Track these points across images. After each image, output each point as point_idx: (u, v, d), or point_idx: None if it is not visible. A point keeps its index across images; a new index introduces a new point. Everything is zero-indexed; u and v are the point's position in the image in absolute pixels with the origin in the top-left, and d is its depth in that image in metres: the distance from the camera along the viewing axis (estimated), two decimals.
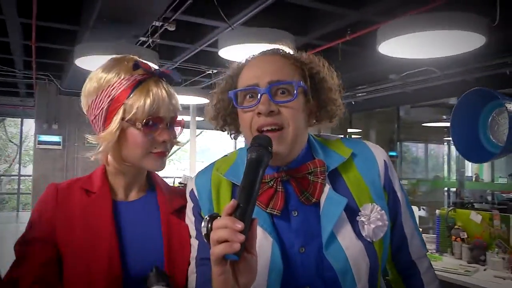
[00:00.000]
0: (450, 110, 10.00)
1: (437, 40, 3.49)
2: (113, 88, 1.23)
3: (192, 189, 1.29)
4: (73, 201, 1.29)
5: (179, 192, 1.41)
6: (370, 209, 1.18)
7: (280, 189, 1.18)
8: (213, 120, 1.35)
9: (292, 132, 1.17)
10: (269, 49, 1.30)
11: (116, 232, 1.26)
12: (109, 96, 1.23)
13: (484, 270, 3.61)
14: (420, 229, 1.39)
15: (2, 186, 18.38)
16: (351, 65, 6.64)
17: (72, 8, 5.58)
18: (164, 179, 1.47)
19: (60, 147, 9.98)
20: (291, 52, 1.29)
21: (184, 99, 6.98)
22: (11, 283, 1.19)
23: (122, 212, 1.31)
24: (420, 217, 6.37)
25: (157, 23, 5.35)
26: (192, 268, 1.24)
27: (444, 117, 10.75)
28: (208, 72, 7.99)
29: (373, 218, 1.17)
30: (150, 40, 5.76)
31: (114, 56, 1.35)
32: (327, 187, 1.18)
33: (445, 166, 14.22)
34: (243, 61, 1.30)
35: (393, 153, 9.83)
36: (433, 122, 11.24)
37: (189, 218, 1.29)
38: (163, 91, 1.25)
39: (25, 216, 11.52)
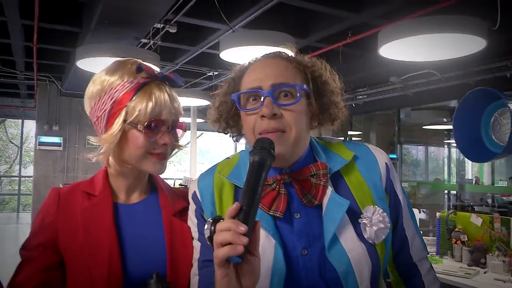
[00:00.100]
0: (450, 113, 10.05)
1: (438, 43, 3.50)
2: (116, 91, 1.24)
3: (195, 191, 1.30)
4: (74, 205, 1.29)
5: (181, 193, 1.42)
6: (372, 211, 1.18)
7: (282, 192, 1.19)
8: (216, 123, 1.35)
9: (294, 135, 1.17)
10: (272, 52, 1.31)
11: (117, 235, 1.26)
12: (112, 99, 1.24)
13: (485, 273, 3.61)
14: (421, 232, 1.40)
15: (2, 187, 18.39)
16: (352, 68, 6.65)
17: (74, 10, 5.60)
18: (165, 181, 1.48)
19: (60, 148, 10.00)
20: (294, 55, 1.30)
21: (184, 101, 7.00)
22: None
23: (123, 215, 1.32)
24: (420, 219, 6.38)
25: (159, 25, 5.36)
26: (194, 270, 1.24)
27: (445, 119, 10.75)
28: (209, 74, 8.00)
29: (375, 220, 1.17)
30: (152, 42, 5.78)
31: (118, 59, 1.36)
32: (330, 190, 1.19)
33: (445, 169, 14.22)
34: (246, 64, 1.31)
35: (393, 156, 9.82)
36: (434, 124, 11.23)
37: (192, 220, 1.29)
38: (166, 95, 1.26)
39: (26, 217, 11.54)
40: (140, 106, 1.22)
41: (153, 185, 1.41)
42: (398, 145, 10.11)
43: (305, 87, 1.21)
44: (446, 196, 10.34)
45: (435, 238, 4.29)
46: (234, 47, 4.16)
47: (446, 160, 14.09)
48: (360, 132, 12.03)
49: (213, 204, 1.24)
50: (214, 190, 1.26)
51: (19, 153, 17.71)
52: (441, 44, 3.53)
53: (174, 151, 1.39)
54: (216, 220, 0.97)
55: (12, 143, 20.62)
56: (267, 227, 1.15)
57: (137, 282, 1.21)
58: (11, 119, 18.17)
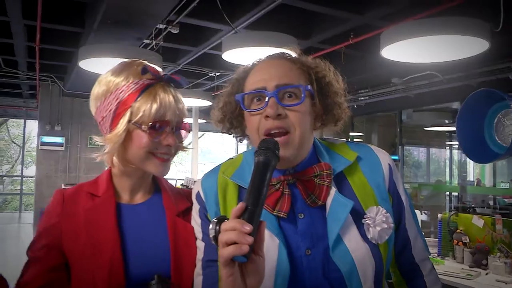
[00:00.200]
0: (452, 114, 10.05)
1: (440, 45, 3.51)
2: (121, 91, 1.25)
3: (199, 191, 1.30)
4: (78, 206, 1.30)
5: (184, 194, 1.42)
6: (375, 212, 1.19)
7: (286, 192, 1.19)
8: (220, 123, 1.36)
9: (298, 136, 1.18)
10: (276, 53, 1.31)
11: (120, 235, 1.27)
12: (117, 99, 1.25)
13: (486, 274, 3.61)
14: (423, 233, 1.40)
15: (4, 186, 18.43)
16: (353, 69, 6.66)
17: (76, 10, 5.61)
18: (168, 181, 1.49)
19: (62, 148, 10.03)
20: (298, 56, 1.31)
21: (186, 101, 6.97)
22: None
23: (127, 215, 1.32)
24: (421, 221, 6.37)
25: (161, 26, 5.37)
26: (198, 270, 1.25)
27: (446, 121, 10.76)
28: (211, 75, 8.02)
29: (379, 220, 1.18)
30: (154, 43, 5.79)
31: (120, 59, 1.36)
32: (333, 190, 1.20)
33: (447, 170, 14.22)
34: (250, 65, 1.31)
35: (395, 157, 9.82)
36: (435, 126, 11.24)
37: (195, 221, 1.30)
38: (170, 96, 1.27)
39: (28, 217, 11.56)
40: (145, 107, 1.23)
41: (157, 185, 1.42)
42: (400, 147, 10.11)
43: (309, 88, 1.21)
44: (447, 198, 10.33)
45: (437, 239, 4.29)
46: (236, 48, 4.16)
47: (447, 161, 14.10)
48: (362, 134, 12.04)
49: (217, 204, 1.25)
50: (218, 190, 1.27)
51: (21, 153, 17.76)
52: (443, 46, 3.53)
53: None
54: (221, 220, 0.98)
55: (14, 143, 20.66)
56: (271, 227, 1.15)
57: (140, 283, 1.21)
58: (13, 119, 18.21)
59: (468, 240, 3.96)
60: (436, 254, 4.17)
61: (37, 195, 9.96)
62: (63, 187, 8.74)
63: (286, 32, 4.48)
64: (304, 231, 1.18)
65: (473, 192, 9.44)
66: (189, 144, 1.40)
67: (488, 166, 11.65)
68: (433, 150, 14.34)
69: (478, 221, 3.93)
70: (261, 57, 1.32)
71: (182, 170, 17.24)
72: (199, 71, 7.89)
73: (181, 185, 7.55)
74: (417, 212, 3.82)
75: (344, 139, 1.39)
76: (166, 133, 1.27)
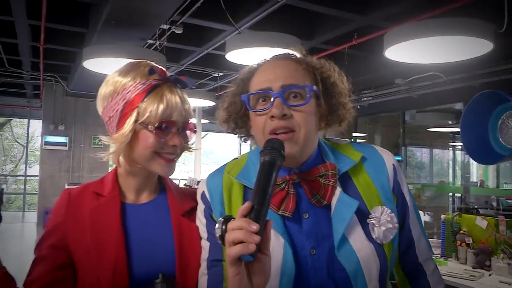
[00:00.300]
0: (455, 115, 10.05)
1: (444, 46, 3.51)
2: (128, 92, 1.26)
3: (204, 191, 1.31)
4: (84, 206, 1.31)
5: (189, 193, 1.43)
6: (380, 212, 1.20)
7: (291, 192, 1.20)
8: (225, 123, 1.36)
9: (303, 135, 1.18)
10: (281, 53, 1.32)
11: (125, 235, 1.28)
12: (124, 99, 1.26)
13: (489, 275, 3.61)
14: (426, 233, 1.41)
15: (8, 186, 18.49)
16: (357, 70, 6.67)
17: (80, 11, 5.63)
18: (173, 181, 1.49)
19: (66, 148, 10.06)
20: (303, 56, 1.31)
21: (189, 101, 7.02)
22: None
23: (132, 215, 1.33)
24: (424, 222, 6.36)
25: (165, 26, 5.39)
26: (202, 269, 1.25)
27: (450, 122, 10.74)
28: (214, 75, 8.03)
29: (383, 220, 1.19)
30: (157, 43, 5.80)
31: (123, 59, 1.37)
32: (338, 190, 1.20)
33: (450, 171, 14.20)
34: (255, 65, 1.32)
35: (398, 158, 9.82)
36: (439, 127, 11.23)
37: (200, 220, 1.30)
38: (177, 97, 1.28)
39: (31, 216, 11.59)
40: (151, 108, 1.23)
41: (162, 185, 1.42)
42: (403, 147, 10.11)
43: (314, 88, 1.22)
44: (450, 199, 10.32)
45: (440, 240, 4.29)
46: (240, 49, 4.17)
47: (451, 162, 14.08)
48: (365, 134, 12.03)
49: (222, 204, 1.25)
50: (223, 190, 1.27)
51: (24, 152, 17.81)
52: (447, 47, 3.53)
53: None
54: (227, 219, 0.98)
55: (18, 142, 20.72)
56: (276, 227, 1.16)
57: (144, 281, 1.22)
58: (16, 119, 18.26)
59: (471, 241, 3.95)
60: (439, 255, 4.17)
61: (41, 195, 9.99)
62: (66, 186, 8.75)
63: (290, 32, 4.49)
64: (309, 230, 1.18)
65: (476, 193, 9.43)
66: (192, 144, 1.41)
67: (491, 168, 11.65)
68: (436, 151, 14.32)
69: (481, 222, 3.93)
70: (266, 57, 1.32)
71: (185, 170, 17.25)
72: (203, 71, 7.91)
73: (184, 185, 7.56)
74: (420, 213, 3.82)
75: (348, 140, 1.40)
76: (172, 133, 1.27)
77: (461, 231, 4.04)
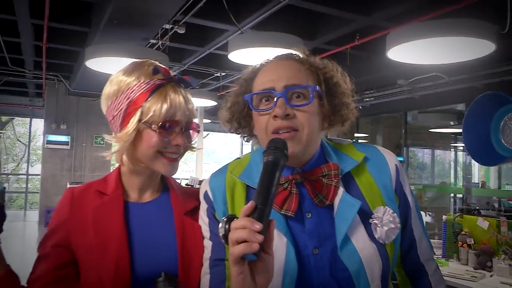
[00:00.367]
0: (457, 116, 10.04)
1: (446, 47, 3.51)
2: (132, 91, 1.27)
3: (206, 191, 1.31)
4: (87, 204, 1.32)
5: (192, 193, 1.44)
6: (382, 212, 1.20)
7: (294, 191, 1.20)
8: (228, 123, 1.37)
9: (306, 135, 1.19)
10: (284, 53, 1.32)
11: (127, 233, 1.28)
12: (128, 99, 1.27)
13: (491, 276, 3.60)
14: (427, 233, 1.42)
15: (10, 184, 18.52)
16: (359, 70, 6.67)
17: (83, 10, 5.64)
18: (176, 181, 1.50)
19: (68, 147, 10.08)
20: (306, 57, 1.32)
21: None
22: (25, 286, 1.24)
23: (135, 213, 1.33)
24: (426, 223, 6.37)
25: (167, 26, 5.39)
26: (205, 269, 1.26)
27: (452, 123, 10.74)
28: (216, 75, 8.03)
29: (386, 220, 1.19)
30: (160, 43, 5.81)
31: (125, 59, 1.38)
32: (341, 190, 1.21)
33: (452, 172, 14.19)
34: (258, 65, 1.32)
35: (400, 158, 9.80)
36: (440, 128, 11.23)
37: (203, 220, 1.30)
38: (180, 97, 1.28)
39: (33, 215, 11.60)
40: (155, 107, 1.24)
41: (165, 184, 1.43)
42: (405, 148, 10.11)
43: (317, 89, 1.22)
44: (452, 200, 10.32)
45: (441, 241, 4.29)
46: (242, 48, 4.18)
47: (452, 163, 14.07)
48: (367, 135, 12.02)
49: (225, 203, 1.26)
50: (226, 189, 1.28)
51: (26, 151, 17.84)
52: (449, 48, 3.53)
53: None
54: (231, 218, 0.99)
55: (20, 141, 20.75)
56: (279, 226, 1.16)
57: (147, 280, 1.23)
58: (19, 118, 18.29)
59: (472, 242, 3.95)
60: (440, 256, 4.16)
61: (43, 194, 10.01)
62: (68, 185, 8.73)
63: (292, 32, 4.49)
64: (312, 230, 1.19)
65: (478, 194, 9.43)
66: (195, 143, 1.41)
67: (493, 169, 11.64)
68: (438, 152, 14.32)
69: (483, 223, 3.93)
70: (269, 57, 1.32)
71: (186, 170, 17.26)
72: (205, 71, 7.92)
73: (186, 184, 7.57)
74: (422, 213, 3.82)
75: (350, 140, 1.40)
76: (175, 133, 1.28)
77: (463, 232, 4.04)
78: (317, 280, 1.15)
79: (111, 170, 1.42)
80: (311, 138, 1.21)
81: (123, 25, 4.73)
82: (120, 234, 1.27)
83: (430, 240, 1.39)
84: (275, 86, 1.20)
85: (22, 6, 5.05)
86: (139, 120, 1.25)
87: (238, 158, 1.39)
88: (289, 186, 1.21)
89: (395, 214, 1.21)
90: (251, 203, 0.98)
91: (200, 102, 7.63)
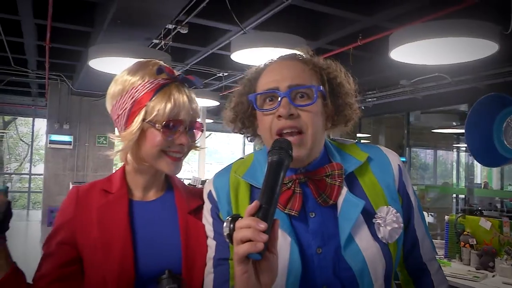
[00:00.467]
0: (460, 116, 10.03)
1: (449, 47, 3.51)
2: (137, 91, 1.28)
3: (210, 190, 1.32)
4: (92, 203, 1.33)
5: (196, 192, 1.44)
6: (385, 212, 1.21)
7: (298, 191, 1.21)
8: (231, 123, 1.37)
9: (311, 136, 1.19)
10: (287, 54, 1.33)
11: (132, 232, 1.29)
12: (132, 98, 1.27)
13: (493, 276, 3.61)
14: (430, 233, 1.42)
15: (12, 184, 18.55)
16: (362, 70, 6.66)
17: (86, 10, 5.66)
18: (180, 180, 1.51)
19: (70, 146, 10.10)
20: (309, 57, 1.32)
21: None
22: (30, 284, 1.26)
23: (139, 212, 1.34)
24: (428, 223, 6.36)
25: (170, 26, 5.40)
26: (208, 268, 1.26)
27: (454, 123, 10.73)
28: (219, 75, 8.04)
29: (389, 220, 1.19)
30: (163, 43, 5.82)
31: (129, 59, 1.39)
32: (345, 190, 1.21)
33: (454, 173, 14.17)
34: (262, 65, 1.33)
35: (402, 159, 9.77)
36: (443, 128, 11.21)
37: (207, 219, 1.31)
38: (184, 96, 1.29)
39: (35, 214, 11.62)
40: (159, 106, 1.25)
41: (169, 183, 1.44)
42: (407, 148, 10.10)
43: (321, 89, 1.23)
44: (454, 200, 10.31)
45: (443, 241, 4.29)
46: (245, 49, 4.18)
47: (455, 164, 14.05)
48: (369, 135, 12.01)
49: (229, 203, 1.26)
50: (230, 189, 1.28)
51: (29, 151, 17.88)
52: (452, 48, 3.54)
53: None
54: (235, 218, 0.99)
55: (23, 141, 20.78)
56: (283, 226, 1.17)
57: (151, 279, 1.24)
58: (21, 117, 18.33)
59: (475, 242, 3.95)
60: (442, 256, 4.16)
61: (45, 193, 10.02)
62: (71, 185, 8.74)
63: (295, 33, 4.50)
64: (315, 230, 1.19)
65: (480, 194, 9.42)
66: (198, 142, 1.42)
67: (495, 169, 11.62)
68: (440, 152, 14.31)
69: (485, 224, 3.93)
70: (273, 57, 1.33)
71: (189, 170, 17.27)
72: (207, 71, 7.92)
73: (188, 184, 7.59)
74: (424, 214, 3.82)
75: (353, 140, 1.41)
76: (179, 132, 1.29)
77: (465, 232, 4.04)
78: (321, 280, 1.16)
79: (114, 170, 1.43)
80: (315, 139, 1.21)
81: (126, 25, 4.74)
82: (124, 232, 1.27)
83: (433, 240, 1.40)
84: (279, 86, 1.21)
85: (25, 6, 5.06)
86: (143, 119, 1.26)
87: (242, 158, 1.40)
88: (292, 186, 1.21)
89: (398, 214, 1.21)
90: (255, 203, 0.98)
91: (203, 102, 7.63)
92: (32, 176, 15.46)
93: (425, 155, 14.59)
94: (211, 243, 1.28)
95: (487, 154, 4.86)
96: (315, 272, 1.16)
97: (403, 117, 10.03)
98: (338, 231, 1.18)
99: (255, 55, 4.19)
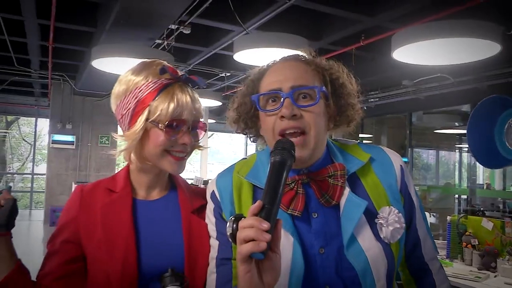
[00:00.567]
0: (462, 117, 10.02)
1: (451, 48, 3.51)
2: (140, 91, 1.29)
3: (213, 190, 1.32)
4: (96, 202, 1.34)
5: (199, 191, 1.45)
6: (388, 212, 1.21)
7: (300, 191, 1.22)
8: (234, 124, 1.38)
9: (314, 137, 1.20)
10: (290, 55, 1.34)
11: (135, 231, 1.30)
12: (136, 98, 1.29)
13: (495, 277, 3.61)
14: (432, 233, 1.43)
15: (15, 184, 18.59)
16: (364, 71, 6.67)
17: (89, 10, 5.67)
18: (184, 179, 1.52)
19: (73, 146, 10.11)
20: (312, 58, 1.33)
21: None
22: (35, 281, 1.27)
23: (143, 211, 1.36)
24: (430, 223, 6.36)
25: (173, 26, 5.41)
26: (211, 268, 1.27)
27: (456, 124, 10.72)
28: (221, 75, 8.05)
29: (391, 220, 1.20)
30: (165, 43, 5.83)
31: (135, 59, 1.40)
32: (347, 190, 1.22)
33: (456, 173, 14.16)
34: (265, 66, 1.34)
35: (404, 159, 9.78)
36: (445, 128, 11.20)
37: (210, 219, 1.32)
38: (187, 96, 1.30)
39: (38, 214, 11.64)
40: (162, 106, 1.26)
41: (173, 183, 1.45)
42: (409, 149, 10.09)
43: (324, 89, 1.24)
44: (456, 201, 10.30)
45: (445, 241, 4.29)
46: (248, 49, 4.19)
47: (457, 164, 14.03)
48: (371, 135, 12.01)
49: (232, 203, 1.27)
50: (233, 189, 1.29)
51: (31, 151, 17.91)
52: (454, 49, 3.54)
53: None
54: (238, 218, 1.00)
55: (25, 141, 20.82)
56: (285, 226, 1.17)
57: (153, 277, 1.25)
58: (24, 117, 18.36)
59: (477, 243, 3.95)
60: (444, 256, 4.17)
61: (48, 193, 10.04)
62: (73, 185, 8.73)
63: (297, 33, 4.50)
64: (318, 230, 1.20)
65: (482, 195, 9.41)
66: (200, 142, 1.43)
67: (498, 170, 11.61)
68: (442, 153, 14.29)
69: (487, 224, 3.93)
70: (276, 58, 1.34)
71: (191, 170, 17.30)
72: (210, 71, 7.93)
73: (191, 184, 7.59)
74: (426, 214, 3.82)
75: (355, 141, 1.41)
76: (182, 132, 1.30)
77: (467, 233, 4.04)
78: (323, 279, 1.17)
79: (116, 170, 1.44)
80: (318, 139, 1.22)
81: (129, 25, 4.75)
82: (128, 231, 1.29)
83: (435, 240, 1.40)
84: (281, 87, 1.22)
85: (28, 6, 5.08)
86: (147, 119, 1.27)
87: (244, 158, 1.41)
88: (295, 186, 1.22)
89: (400, 214, 1.22)
90: (258, 203, 0.99)
91: (205, 102, 7.64)
92: (35, 176, 15.50)
93: (427, 155, 14.58)
94: (214, 243, 1.29)
95: (489, 156, 4.86)
96: (317, 272, 1.17)
97: (405, 118, 10.03)
98: (341, 231, 1.19)
99: (257, 55, 4.20)
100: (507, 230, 3.79)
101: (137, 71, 1.33)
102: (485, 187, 11.79)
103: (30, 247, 7.18)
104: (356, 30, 5.36)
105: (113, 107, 1.37)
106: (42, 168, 16.03)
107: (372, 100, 8.51)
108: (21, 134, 20.94)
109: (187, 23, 5.38)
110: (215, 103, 7.84)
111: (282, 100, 1.20)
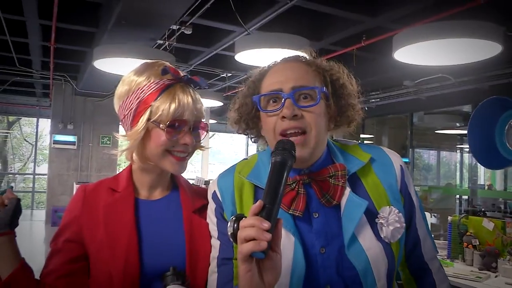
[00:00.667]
0: (463, 117, 10.02)
1: (452, 48, 3.51)
2: (142, 91, 1.30)
3: (215, 191, 1.33)
4: (99, 201, 1.35)
5: (200, 191, 1.46)
6: (388, 212, 1.22)
7: (301, 192, 1.23)
8: (236, 124, 1.39)
9: (314, 137, 1.21)
10: (291, 55, 1.34)
11: (137, 230, 1.31)
12: (138, 98, 1.30)
13: (496, 277, 3.61)
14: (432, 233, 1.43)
15: (16, 184, 18.61)
16: (365, 71, 6.67)
17: (91, 11, 5.67)
18: (186, 179, 1.53)
19: (74, 146, 10.10)
20: (313, 58, 1.34)
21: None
22: (38, 280, 1.28)
23: (145, 210, 1.37)
24: (431, 224, 6.36)
25: (174, 27, 5.42)
26: (212, 267, 1.28)
27: (458, 124, 10.71)
28: (222, 75, 8.05)
29: (391, 220, 1.21)
30: (167, 43, 5.84)
31: (137, 60, 1.41)
32: (348, 190, 1.23)
33: (457, 174, 14.14)
34: (266, 67, 1.34)
35: (405, 160, 9.80)
36: (446, 129, 11.19)
37: (211, 219, 1.33)
38: (189, 97, 1.31)
39: (39, 214, 11.65)
40: (164, 106, 1.27)
41: (175, 182, 1.46)
42: (410, 149, 10.09)
43: (324, 90, 1.24)
44: (457, 201, 10.29)
45: (446, 242, 4.29)
46: (249, 49, 4.19)
47: (458, 165, 14.02)
48: (372, 136, 12.00)
49: (234, 203, 1.28)
50: (234, 190, 1.30)
51: (33, 151, 17.92)
52: (456, 49, 3.54)
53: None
54: (239, 217, 1.01)
55: (27, 141, 20.84)
56: (287, 226, 1.18)
57: (155, 276, 1.26)
58: (25, 117, 18.37)
59: (478, 243, 3.95)
60: (445, 257, 4.17)
61: (49, 193, 10.04)
62: (75, 185, 8.72)
63: (298, 33, 4.51)
64: (319, 230, 1.21)
65: (483, 195, 9.40)
66: (202, 142, 1.44)
67: (499, 171, 11.59)
68: (443, 153, 14.27)
69: (488, 224, 3.93)
70: (277, 59, 1.35)
71: (192, 170, 17.30)
72: (211, 72, 7.94)
73: (192, 184, 7.60)
74: (427, 214, 3.82)
75: (356, 141, 1.42)
76: (184, 132, 1.30)
77: (468, 233, 4.04)
78: (324, 279, 1.17)
79: (117, 170, 1.45)
80: (318, 139, 1.23)
81: (130, 25, 4.75)
82: (130, 230, 1.30)
83: (436, 241, 1.41)
84: (282, 88, 1.22)
85: (30, 6, 5.09)
86: (148, 119, 1.28)
87: (245, 158, 1.41)
88: (296, 187, 1.23)
89: (400, 214, 1.23)
90: (259, 202, 1.00)
91: (206, 103, 7.64)
92: (36, 176, 15.49)
93: (428, 156, 14.56)
94: (215, 243, 1.29)
95: (490, 157, 4.86)
96: (318, 272, 1.18)
97: (407, 118, 10.03)
98: (342, 231, 1.19)
99: (259, 56, 4.20)
100: (508, 230, 3.79)
101: (139, 71, 1.34)
102: (486, 187, 11.78)
103: (32, 247, 7.17)
104: (357, 30, 5.36)
105: (116, 107, 1.38)
106: (43, 168, 16.05)
107: (373, 100, 8.51)
108: (23, 134, 20.95)
109: (188, 23, 5.39)
110: (217, 103, 7.84)
111: (283, 101, 1.21)
